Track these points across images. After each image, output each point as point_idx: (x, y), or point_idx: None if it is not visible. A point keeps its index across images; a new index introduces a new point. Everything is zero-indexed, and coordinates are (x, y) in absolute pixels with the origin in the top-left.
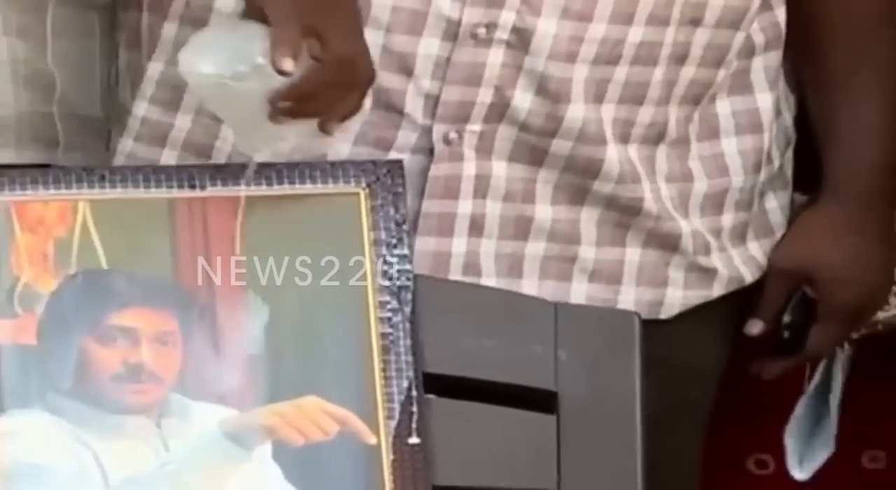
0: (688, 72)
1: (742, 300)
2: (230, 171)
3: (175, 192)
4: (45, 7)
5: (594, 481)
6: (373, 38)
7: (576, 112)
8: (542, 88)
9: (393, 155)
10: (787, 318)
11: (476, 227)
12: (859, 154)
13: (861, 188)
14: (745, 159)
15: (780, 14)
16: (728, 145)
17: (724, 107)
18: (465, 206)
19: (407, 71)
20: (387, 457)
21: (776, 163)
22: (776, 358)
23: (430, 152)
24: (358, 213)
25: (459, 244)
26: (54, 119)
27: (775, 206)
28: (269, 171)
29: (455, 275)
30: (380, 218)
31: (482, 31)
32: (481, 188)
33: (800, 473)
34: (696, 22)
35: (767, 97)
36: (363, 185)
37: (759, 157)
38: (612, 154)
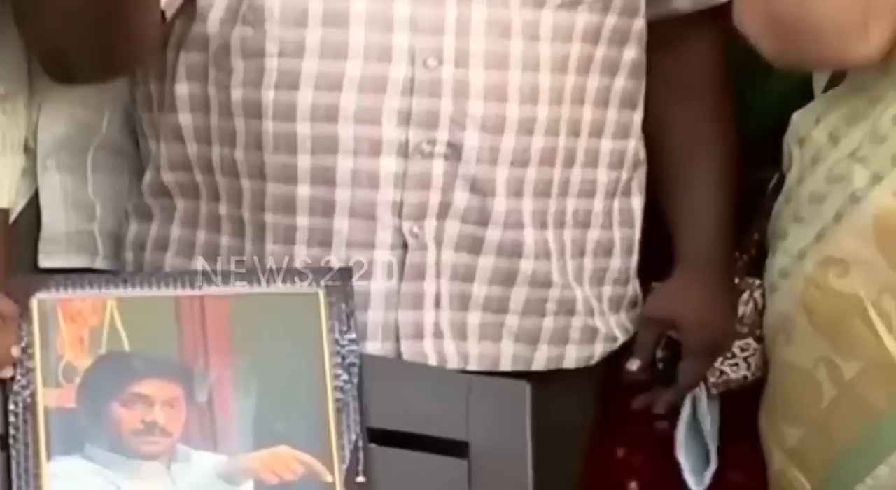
0: (577, 173)
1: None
2: (222, 275)
3: (179, 292)
4: (87, 150)
5: None
6: (343, 163)
7: (501, 205)
8: (475, 188)
9: (376, 252)
10: (659, 354)
11: (438, 301)
12: (700, 231)
13: (704, 256)
14: (622, 246)
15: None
16: (611, 234)
17: (609, 204)
18: (429, 286)
19: (375, 185)
20: None
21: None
22: (657, 393)
23: (404, 245)
24: (318, 307)
25: (429, 315)
26: (95, 235)
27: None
28: (251, 276)
29: (429, 337)
30: (334, 311)
31: (426, 147)
32: (439, 272)
33: (696, 487)
34: (576, 133)
35: (639, 201)
36: (322, 286)
37: (631, 245)
38: (530, 237)
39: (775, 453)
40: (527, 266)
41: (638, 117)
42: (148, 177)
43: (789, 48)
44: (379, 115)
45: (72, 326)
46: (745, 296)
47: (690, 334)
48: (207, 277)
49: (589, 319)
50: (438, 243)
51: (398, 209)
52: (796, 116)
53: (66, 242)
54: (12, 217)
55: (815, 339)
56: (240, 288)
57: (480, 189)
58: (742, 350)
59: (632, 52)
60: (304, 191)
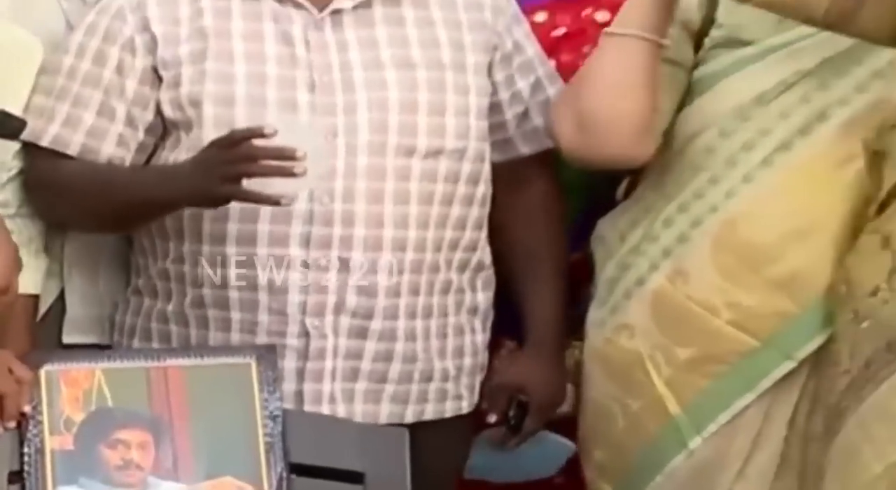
0: (439, 277)
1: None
2: (180, 351)
3: (148, 364)
4: (99, 261)
5: None
6: (262, 274)
7: (381, 303)
8: (361, 291)
9: (287, 339)
10: (511, 412)
11: (334, 375)
12: (541, 322)
13: (544, 339)
14: (474, 327)
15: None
16: (464, 320)
17: (461, 298)
18: (329, 364)
19: (285, 291)
20: None
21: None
22: (510, 435)
23: (307, 334)
24: (251, 374)
25: (327, 386)
26: (102, 321)
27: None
28: (203, 350)
29: (326, 403)
30: (263, 377)
31: (323, 262)
32: (335, 353)
33: (468, 474)
34: (439, 249)
35: (482, 295)
36: (254, 358)
37: (483, 325)
38: (403, 326)
39: (587, 468)
40: (400, 347)
41: (484, 234)
42: (131, 281)
43: (587, 145)
44: (287, 239)
45: (70, 389)
46: (567, 352)
47: (534, 397)
48: (170, 353)
49: (442, 384)
50: (334, 333)
51: (303, 308)
52: (599, 222)
53: (81, 326)
54: (44, 308)
55: (611, 384)
56: (194, 360)
57: (365, 292)
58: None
59: (482, 188)
60: (234, 294)
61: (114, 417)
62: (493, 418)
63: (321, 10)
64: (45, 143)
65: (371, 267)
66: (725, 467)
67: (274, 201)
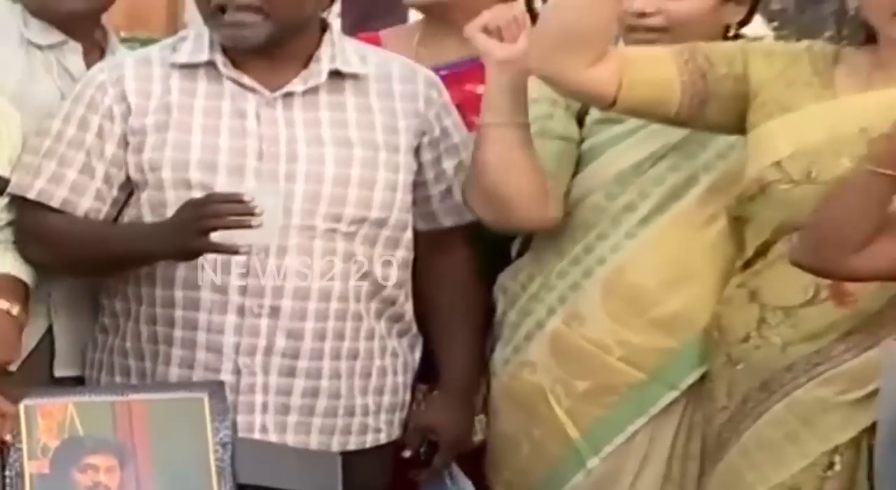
0: (363, 325)
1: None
2: (141, 387)
3: (114, 398)
4: (86, 305)
5: None
6: (202, 316)
7: (307, 345)
8: (289, 334)
9: (222, 374)
10: (423, 449)
11: (265, 408)
12: (457, 372)
13: (458, 388)
14: (396, 369)
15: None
16: (387, 362)
17: (385, 343)
18: (259, 399)
19: (220, 331)
20: None
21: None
22: (421, 469)
23: (239, 371)
24: (203, 407)
25: (258, 418)
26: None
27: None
28: (159, 386)
29: (257, 432)
30: (214, 409)
31: (256, 308)
32: (266, 389)
33: None
34: (359, 299)
35: (404, 340)
36: (206, 393)
37: (405, 368)
38: (328, 366)
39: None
40: (325, 384)
41: (405, 291)
42: (98, 320)
43: (499, 217)
44: (227, 288)
45: (46, 421)
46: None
47: (443, 437)
48: (132, 388)
49: (364, 418)
50: (264, 371)
51: (237, 349)
52: (500, 276)
53: (69, 361)
54: (33, 344)
55: (516, 414)
56: (154, 395)
57: (293, 335)
58: (478, 422)
59: (402, 252)
60: (177, 333)
61: (84, 445)
62: (406, 454)
63: (274, 91)
64: (31, 195)
65: (299, 314)
66: (618, 483)
67: (235, 251)
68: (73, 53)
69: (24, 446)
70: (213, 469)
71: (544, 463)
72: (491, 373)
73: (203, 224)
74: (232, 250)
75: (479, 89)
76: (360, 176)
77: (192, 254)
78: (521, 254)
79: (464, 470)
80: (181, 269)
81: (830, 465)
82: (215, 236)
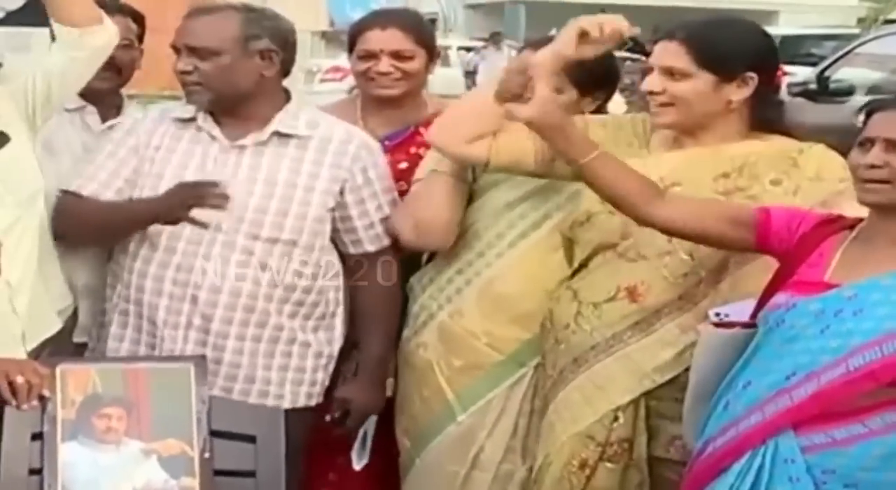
0: (269, 320)
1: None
2: (145, 358)
3: (125, 366)
4: (103, 293)
5: None
6: (145, 299)
7: (214, 326)
8: (203, 317)
9: (156, 340)
10: (337, 414)
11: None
12: (368, 357)
13: (367, 365)
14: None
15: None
16: (297, 351)
17: (298, 336)
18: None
19: (156, 309)
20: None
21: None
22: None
23: (163, 339)
24: (189, 375)
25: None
26: None
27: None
28: (158, 358)
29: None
30: (198, 377)
31: (180, 295)
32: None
33: (357, 464)
34: (269, 301)
35: (316, 337)
36: (192, 363)
37: (319, 354)
38: (230, 345)
39: (397, 430)
40: (227, 357)
41: (313, 296)
42: (105, 305)
43: (419, 240)
44: (163, 279)
45: (74, 381)
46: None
47: (354, 408)
48: (138, 359)
49: (264, 387)
50: (184, 341)
51: (165, 323)
52: (411, 279)
53: (83, 331)
54: (64, 318)
55: (412, 379)
56: (154, 364)
57: (205, 318)
58: (389, 383)
59: (310, 268)
60: (132, 308)
61: (101, 399)
62: (328, 418)
63: (233, 141)
64: (72, 188)
65: (212, 303)
66: (481, 430)
67: (204, 225)
68: (92, 115)
69: (59, 399)
70: (194, 418)
71: (429, 414)
72: (398, 348)
73: (189, 201)
74: (202, 224)
75: (422, 151)
76: (276, 207)
77: (176, 220)
78: (429, 261)
79: (381, 417)
80: (152, 266)
81: (615, 419)
82: (194, 212)
